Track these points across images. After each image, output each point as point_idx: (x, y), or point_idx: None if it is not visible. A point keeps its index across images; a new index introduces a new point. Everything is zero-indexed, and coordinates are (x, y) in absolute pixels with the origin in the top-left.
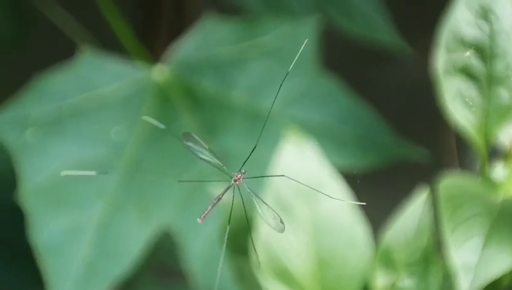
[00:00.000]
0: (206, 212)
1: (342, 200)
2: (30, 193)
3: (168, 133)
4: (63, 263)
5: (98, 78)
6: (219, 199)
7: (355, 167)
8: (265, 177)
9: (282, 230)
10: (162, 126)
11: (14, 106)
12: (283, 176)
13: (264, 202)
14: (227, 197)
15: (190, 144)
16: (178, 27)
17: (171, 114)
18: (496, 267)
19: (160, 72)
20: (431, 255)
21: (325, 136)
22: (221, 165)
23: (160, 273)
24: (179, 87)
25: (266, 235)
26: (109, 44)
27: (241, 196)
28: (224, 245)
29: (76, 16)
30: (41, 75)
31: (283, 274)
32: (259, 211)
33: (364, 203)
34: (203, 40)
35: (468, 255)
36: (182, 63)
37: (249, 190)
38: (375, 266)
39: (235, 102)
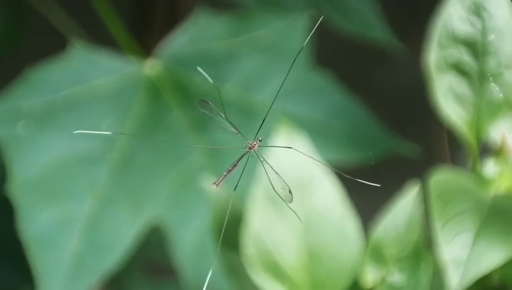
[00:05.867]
0: (221, 178)
1: (358, 180)
2: (20, 186)
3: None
4: (52, 257)
5: (90, 72)
6: (234, 165)
7: (346, 162)
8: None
9: (290, 200)
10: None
11: (6, 99)
12: (290, 148)
13: (275, 171)
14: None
15: (206, 111)
16: (171, 22)
17: (163, 108)
18: (486, 263)
19: (152, 67)
20: (421, 250)
21: (316, 131)
22: (238, 131)
23: (149, 271)
24: (170, 82)
25: (256, 229)
26: (101, 38)
27: (261, 162)
28: (221, 237)
29: (68, 10)
30: (33, 68)
31: (273, 268)
32: (270, 180)
33: (379, 185)
34: (196, 34)
35: (458, 250)
36: (174, 57)
37: (262, 158)
38: (365, 260)
39: (227, 97)
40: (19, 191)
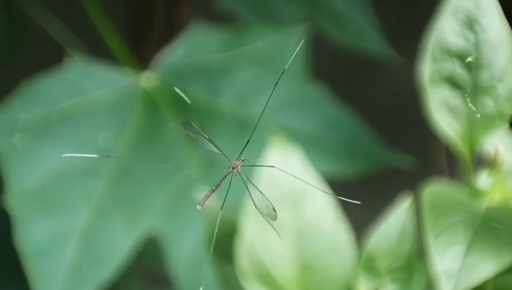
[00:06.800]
0: (205, 198)
1: (342, 199)
2: (17, 197)
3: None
4: (49, 268)
5: (87, 84)
6: (218, 185)
7: (340, 174)
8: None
9: (274, 218)
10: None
11: (3, 111)
12: (273, 167)
13: (259, 190)
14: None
15: (190, 133)
16: (168, 34)
17: (159, 121)
18: (478, 274)
19: (148, 79)
20: (414, 262)
21: (311, 143)
22: (221, 152)
23: (146, 280)
24: (167, 94)
25: (250, 240)
26: (98, 50)
27: (244, 182)
28: (212, 248)
29: (66, 22)
30: (30, 80)
31: (267, 279)
32: (253, 198)
33: (359, 203)
34: (192, 47)
35: (450, 261)
36: (171, 70)
37: (245, 178)
38: (358, 272)
39: (222, 109)
40: (15, 202)
